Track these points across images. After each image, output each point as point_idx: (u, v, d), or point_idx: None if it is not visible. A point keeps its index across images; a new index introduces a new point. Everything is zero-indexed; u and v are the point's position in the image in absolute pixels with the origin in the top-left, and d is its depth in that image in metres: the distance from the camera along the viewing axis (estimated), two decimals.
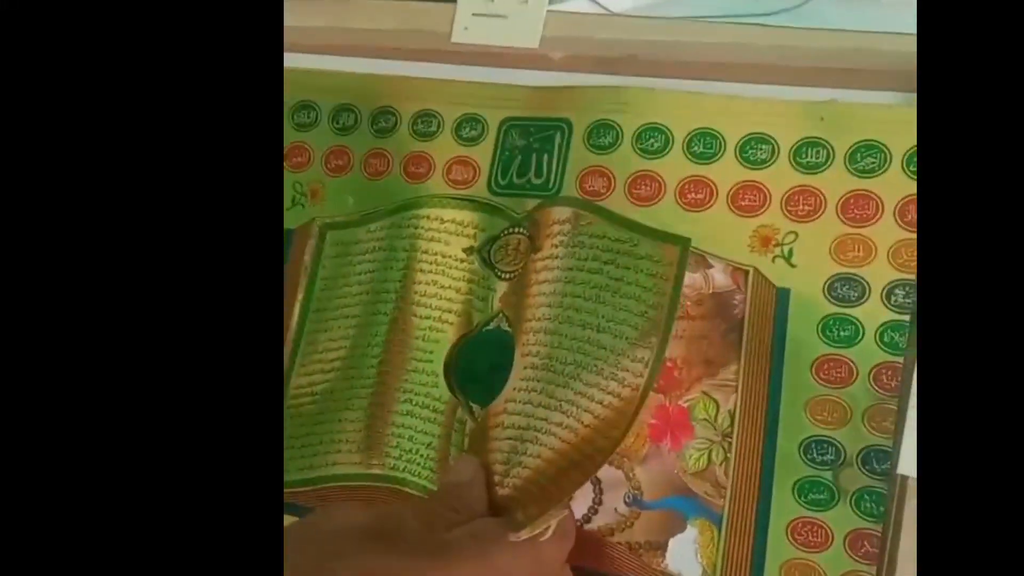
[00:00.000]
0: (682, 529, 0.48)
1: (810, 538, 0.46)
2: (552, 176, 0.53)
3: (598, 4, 0.50)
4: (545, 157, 0.54)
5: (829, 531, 0.46)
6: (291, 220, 0.58)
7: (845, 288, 0.48)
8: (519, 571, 0.42)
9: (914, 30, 0.45)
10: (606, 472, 0.50)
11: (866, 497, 0.45)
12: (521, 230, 0.53)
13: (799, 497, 0.46)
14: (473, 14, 0.54)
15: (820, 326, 0.48)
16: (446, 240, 0.54)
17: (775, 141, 0.50)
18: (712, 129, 0.51)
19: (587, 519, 0.50)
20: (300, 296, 0.57)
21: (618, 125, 0.53)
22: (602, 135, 0.53)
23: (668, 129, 0.52)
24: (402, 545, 0.40)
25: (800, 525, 0.46)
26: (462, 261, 0.54)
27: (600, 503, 0.50)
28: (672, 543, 0.48)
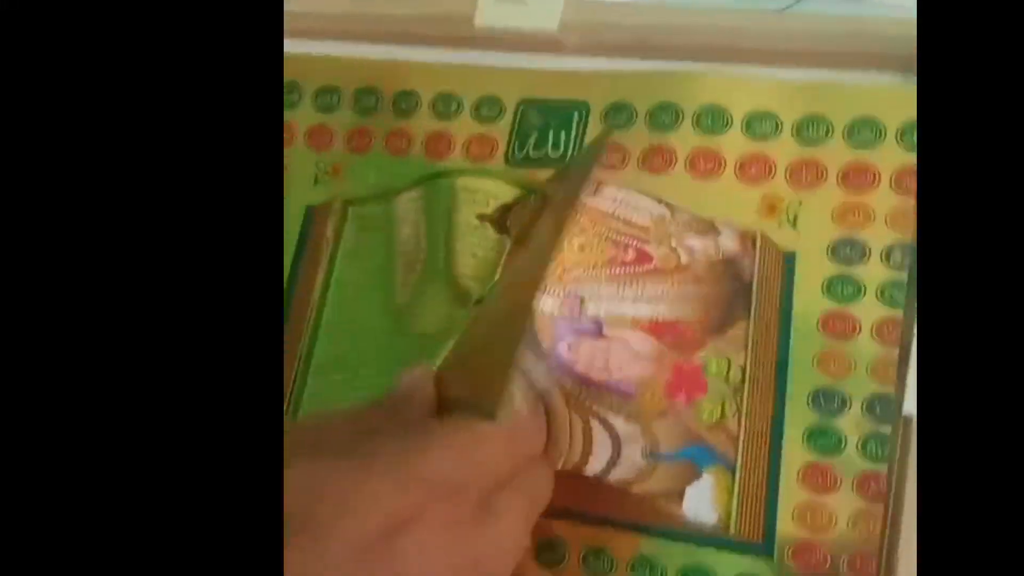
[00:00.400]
0: (698, 477, 0.51)
1: (820, 481, 0.49)
2: (569, 150, 0.57)
3: None
4: (563, 133, 0.57)
5: (838, 474, 0.49)
6: (314, 197, 0.60)
7: (847, 250, 0.51)
8: (504, 460, 0.42)
9: (905, 16, 0.50)
10: (623, 427, 0.52)
11: (872, 441, 0.48)
12: (535, 197, 0.56)
13: (808, 443, 0.49)
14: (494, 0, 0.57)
15: (825, 285, 0.51)
16: (467, 209, 0.57)
17: (778, 117, 0.54)
18: (720, 105, 0.55)
19: (606, 472, 0.52)
20: (322, 270, 0.59)
21: (633, 105, 0.56)
22: (618, 114, 0.56)
23: (679, 106, 0.55)
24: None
25: (811, 470, 0.49)
26: (476, 228, 0.57)
27: (619, 456, 0.52)
28: (689, 491, 0.51)
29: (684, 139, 0.55)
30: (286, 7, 0.49)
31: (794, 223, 0.52)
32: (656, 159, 0.55)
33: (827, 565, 0.48)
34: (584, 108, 0.57)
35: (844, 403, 0.49)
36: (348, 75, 0.62)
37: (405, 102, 0.60)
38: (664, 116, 0.56)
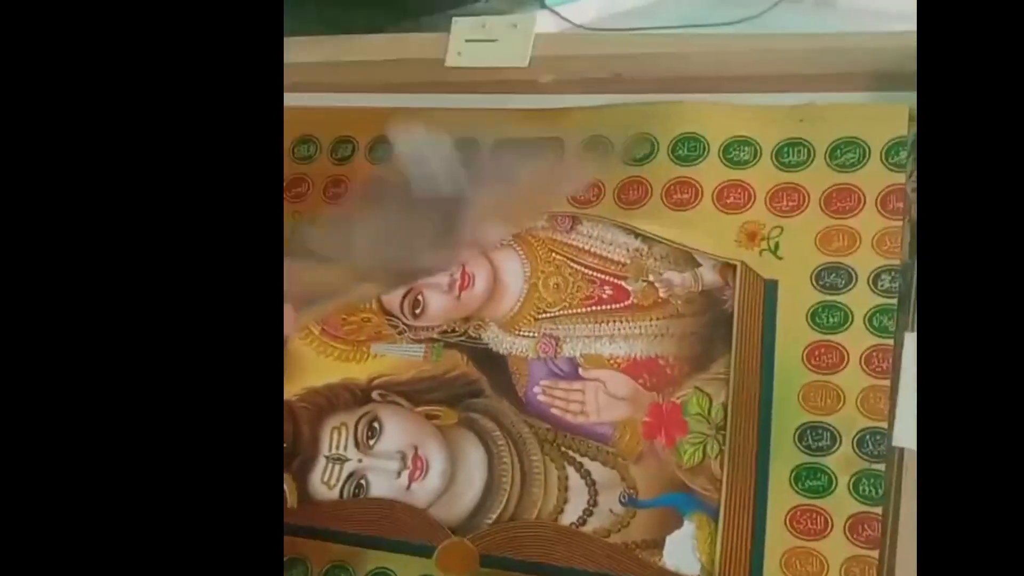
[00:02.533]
0: (679, 525, 0.47)
1: (809, 526, 0.45)
2: None
3: (564, 20, 0.52)
4: None
5: (828, 517, 0.44)
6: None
7: (832, 276, 0.48)
8: None
9: (884, 30, 0.48)
10: (600, 472, 0.49)
11: (864, 480, 0.44)
12: None
13: (796, 485, 0.45)
14: (466, 40, 0.56)
15: (809, 314, 0.48)
16: None
17: (757, 143, 0.51)
18: (696, 133, 0.53)
19: (583, 521, 0.49)
20: None
21: (607, 138, 0.54)
22: (592, 147, 0.54)
23: (654, 137, 0.53)
24: None
25: (799, 513, 0.45)
26: None
27: (595, 504, 0.49)
28: (669, 540, 0.47)
29: (660, 170, 0.53)
30: None
31: (775, 251, 0.49)
32: (632, 192, 0.53)
33: None
34: (558, 144, 0.55)
35: (833, 440, 0.46)
36: (324, 125, 0.61)
37: (382, 149, 0.59)
38: (639, 148, 0.54)
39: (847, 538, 0.44)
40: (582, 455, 0.50)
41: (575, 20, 0.52)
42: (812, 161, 0.50)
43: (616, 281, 0.52)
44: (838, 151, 0.50)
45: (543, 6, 0.52)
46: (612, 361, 0.51)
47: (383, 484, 0.52)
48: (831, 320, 0.47)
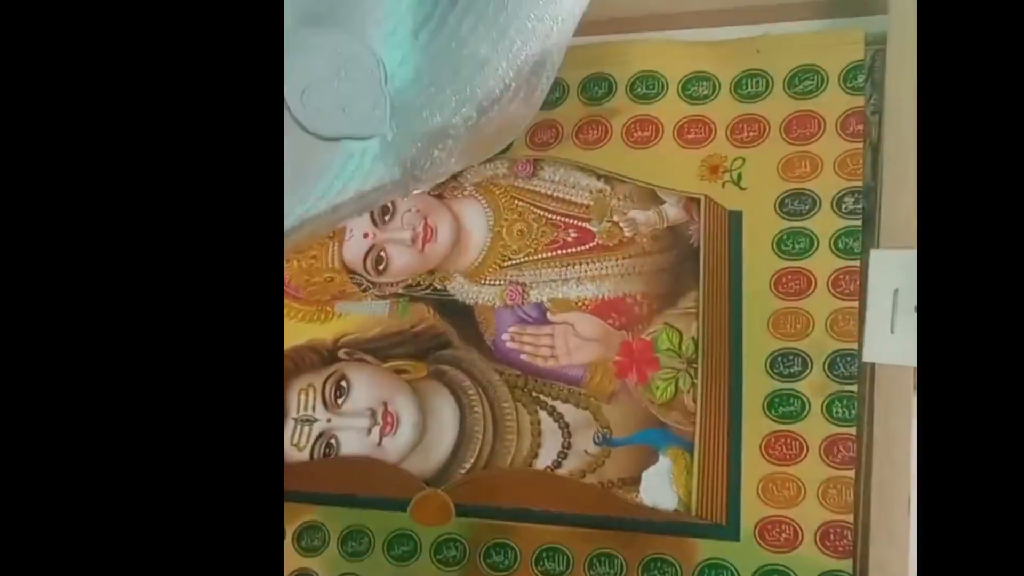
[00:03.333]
0: (654, 461, 0.46)
1: (785, 451, 0.44)
2: None
3: None
4: None
5: (803, 441, 0.44)
6: None
7: (796, 203, 0.47)
8: None
9: None
10: (573, 414, 0.49)
11: (837, 403, 0.44)
12: None
13: (770, 412, 0.45)
14: None
15: (775, 242, 0.47)
16: None
17: (715, 77, 0.51)
18: (654, 71, 0.52)
19: (557, 464, 0.48)
20: None
21: (563, 80, 0.54)
22: (551, 91, 0.53)
23: (612, 76, 0.53)
24: None
25: (773, 439, 0.45)
26: None
27: (569, 447, 0.48)
28: (645, 476, 0.46)
29: (619, 109, 0.52)
30: None
31: (738, 182, 0.49)
32: (591, 132, 0.52)
33: (799, 541, 0.43)
34: None
35: (804, 365, 0.45)
36: None
37: None
38: (597, 88, 0.53)
39: (823, 460, 0.44)
40: (554, 398, 0.49)
41: None
42: (771, 91, 0.50)
43: (580, 224, 0.51)
44: (796, 79, 0.49)
45: None
46: (580, 303, 0.50)
47: (354, 442, 0.51)
48: (797, 246, 0.47)
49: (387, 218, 0.55)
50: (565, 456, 0.48)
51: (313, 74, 0.53)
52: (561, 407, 0.49)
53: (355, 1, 0.52)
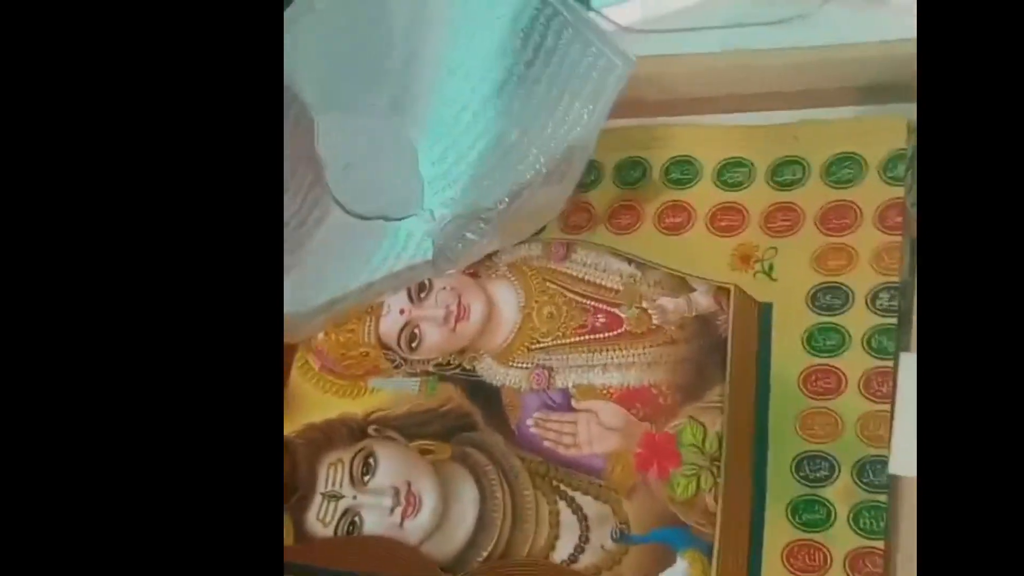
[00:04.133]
0: (672, 563, 0.45)
1: (808, 562, 0.42)
2: None
3: (608, 20, 0.51)
4: None
5: (827, 553, 0.42)
6: None
7: (828, 297, 0.46)
8: None
9: (875, 40, 0.46)
10: (592, 507, 0.47)
11: (865, 512, 0.42)
12: None
13: (793, 518, 0.43)
14: None
15: (805, 337, 0.45)
16: None
17: (751, 163, 0.50)
18: (688, 156, 0.51)
19: (573, 559, 0.47)
20: None
21: (599, 162, 0.53)
22: (585, 173, 0.53)
23: (646, 161, 0.52)
24: None
25: (796, 548, 0.42)
26: None
27: (587, 540, 0.47)
28: None
29: (653, 194, 0.51)
30: None
31: (770, 272, 0.47)
32: (623, 217, 0.52)
33: None
34: None
35: (832, 469, 0.43)
36: None
37: None
38: (631, 172, 0.52)
39: (847, 575, 0.41)
40: (574, 489, 0.48)
41: (621, 22, 0.51)
42: (808, 179, 0.48)
43: (609, 309, 0.51)
44: (834, 167, 0.48)
45: (589, 8, 0.51)
46: (604, 391, 0.49)
47: (376, 521, 0.51)
48: (828, 343, 0.45)
49: (423, 295, 0.55)
50: (582, 550, 0.47)
51: (353, 154, 0.54)
52: (580, 499, 0.48)
53: (398, 84, 0.54)
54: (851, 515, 0.42)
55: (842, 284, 0.45)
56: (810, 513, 0.43)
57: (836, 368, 0.44)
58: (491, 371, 0.52)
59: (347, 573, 0.51)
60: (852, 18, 0.49)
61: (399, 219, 0.53)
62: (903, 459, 0.40)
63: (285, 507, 0.53)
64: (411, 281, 0.55)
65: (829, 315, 0.45)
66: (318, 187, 0.55)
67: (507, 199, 0.49)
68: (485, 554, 0.48)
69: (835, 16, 0.49)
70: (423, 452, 0.52)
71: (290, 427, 0.56)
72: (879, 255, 0.45)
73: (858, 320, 0.44)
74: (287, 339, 0.57)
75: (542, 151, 0.49)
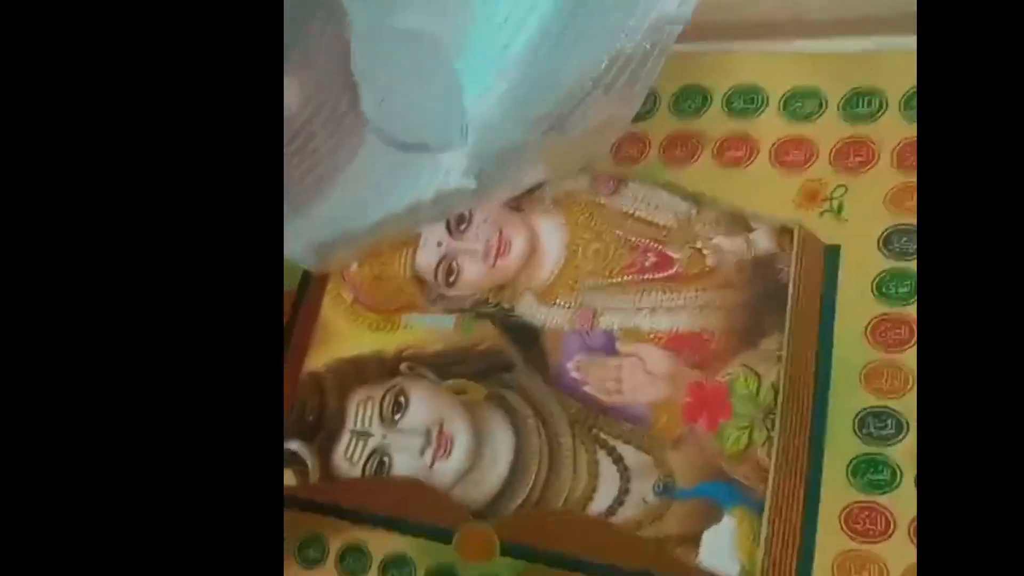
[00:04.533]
0: (718, 519, 0.42)
1: (868, 526, 0.39)
2: None
3: None
4: None
5: (891, 517, 0.38)
6: None
7: (904, 240, 0.42)
8: None
9: None
10: (634, 457, 0.44)
11: None
12: None
13: (854, 478, 0.40)
14: None
15: (876, 283, 0.42)
16: None
17: (822, 93, 0.46)
18: (754, 84, 0.47)
19: (612, 511, 0.44)
20: None
21: (654, 90, 0.49)
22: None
23: (706, 89, 0.48)
24: None
25: (856, 511, 0.39)
26: None
27: (627, 492, 0.44)
28: (707, 536, 0.42)
29: (712, 125, 0.47)
30: None
31: (839, 212, 0.43)
32: (680, 148, 0.48)
33: None
34: None
35: (899, 428, 0.39)
36: None
37: None
38: (689, 101, 0.48)
39: (912, 541, 0.38)
40: (615, 438, 0.45)
41: None
42: (884, 112, 0.44)
43: (660, 247, 0.47)
44: (914, 100, 0.43)
45: None
46: (652, 336, 0.46)
47: (406, 462, 0.49)
48: (900, 290, 0.41)
49: (462, 227, 0.52)
50: (622, 503, 0.44)
51: (392, 83, 0.51)
52: (622, 448, 0.45)
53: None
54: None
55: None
56: (873, 473, 0.39)
57: (908, 318, 0.40)
58: (531, 310, 0.49)
59: (373, 514, 0.49)
60: None
61: (439, 151, 0.50)
62: None
63: (312, 444, 0.51)
64: (451, 210, 0.51)
65: (903, 260, 0.41)
66: (353, 113, 0.52)
67: (558, 111, 0.45)
68: (519, 502, 0.46)
69: None
70: (456, 392, 0.50)
71: (320, 360, 0.53)
72: None
73: None
74: (320, 267, 0.55)
75: (608, 44, 0.44)
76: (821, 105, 0.46)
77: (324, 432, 0.52)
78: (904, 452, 0.39)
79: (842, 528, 0.39)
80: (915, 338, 0.40)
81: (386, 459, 0.49)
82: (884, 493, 0.39)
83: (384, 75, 0.51)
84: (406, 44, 0.50)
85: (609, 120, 0.46)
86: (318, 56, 0.51)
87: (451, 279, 0.52)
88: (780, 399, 0.42)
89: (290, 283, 0.56)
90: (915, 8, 0.43)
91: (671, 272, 0.46)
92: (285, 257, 0.49)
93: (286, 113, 0.50)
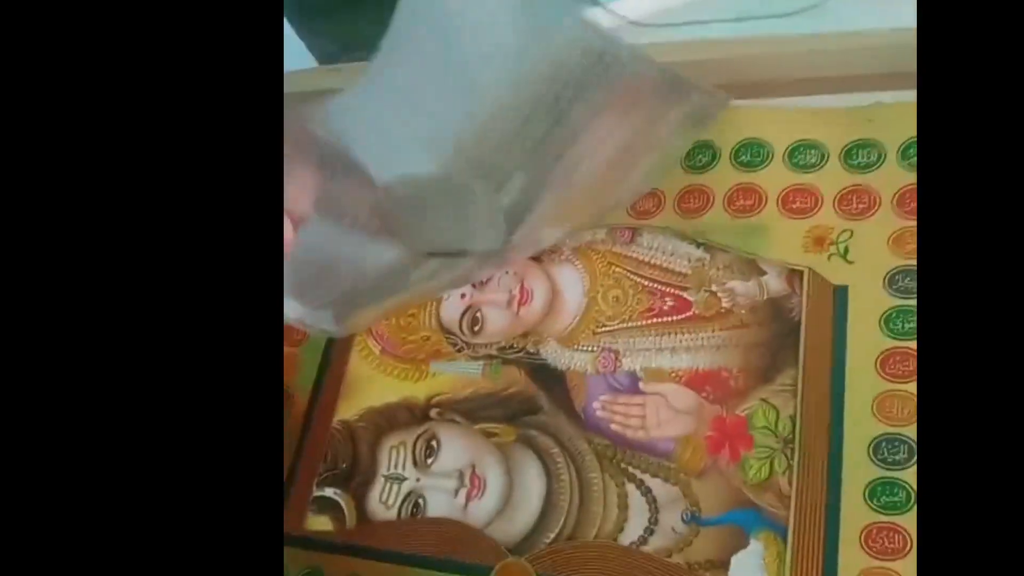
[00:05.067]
0: (745, 545, 0.44)
1: (887, 544, 0.41)
2: None
3: (616, 15, 0.51)
4: None
5: (907, 535, 0.41)
6: None
7: (907, 280, 0.45)
8: None
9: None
10: (661, 489, 0.47)
11: None
12: None
13: (871, 501, 0.42)
14: None
15: (883, 319, 0.45)
16: None
17: (823, 146, 0.49)
18: (758, 139, 0.51)
19: (643, 540, 0.46)
20: None
21: None
22: None
23: (715, 144, 0.52)
24: None
25: (875, 531, 0.42)
26: None
27: (656, 522, 0.46)
28: (735, 560, 0.44)
29: (722, 177, 0.51)
30: None
31: (845, 255, 0.47)
32: (692, 200, 0.51)
33: None
34: None
35: (911, 452, 0.42)
36: None
37: None
38: (700, 156, 0.52)
39: None
40: (643, 471, 0.48)
41: (629, 16, 0.51)
42: (883, 162, 0.48)
43: (677, 292, 0.50)
44: (911, 150, 0.47)
45: (595, 3, 0.51)
46: (674, 374, 0.49)
47: (440, 503, 0.51)
48: (906, 326, 0.44)
49: (485, 280, 0.55)
50: (651, 532, 0.46)
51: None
52: (650, 481, 0.47)
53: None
54: None
55: None
56: (888, 495, 0.42)
57: (914, 351, 0.44)
58: (556, 354, 0.52)
59: (410, 555, 0.51)
60: (856, 12, 0.49)
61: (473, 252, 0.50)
62: None
63: (347, 490, 0.53)
64: (475, 277, 0.54)
65: (907, 297, 0.45)
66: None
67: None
68: (552, 536, 0.48)
69: (839, 10, 0.49)
70: (487, 435, 0.52)
71: (350, 411, 0.56)
72: None
73: None
74: (349, 332, 0.57)
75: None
76: (823, 157, 0.49)
77: (358, 478, 0.54)
78: (915, 475, 0.42)
79: (862, 547, 0.42)
80: None
81: (421, 501, 0.51)
82: (900, 513, 0.42)
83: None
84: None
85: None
86: None
87: (476, 328, 0.55)
88: (798, 430, 0.45)
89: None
90: (906, 66, 0.48)
91: (689, 314, 0.50)
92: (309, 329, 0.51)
93: None
